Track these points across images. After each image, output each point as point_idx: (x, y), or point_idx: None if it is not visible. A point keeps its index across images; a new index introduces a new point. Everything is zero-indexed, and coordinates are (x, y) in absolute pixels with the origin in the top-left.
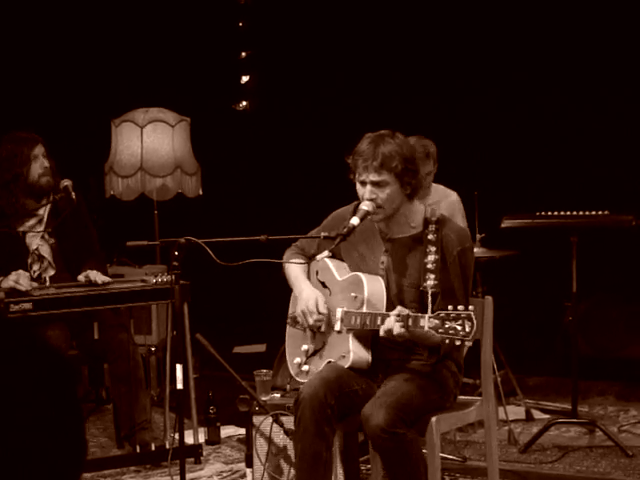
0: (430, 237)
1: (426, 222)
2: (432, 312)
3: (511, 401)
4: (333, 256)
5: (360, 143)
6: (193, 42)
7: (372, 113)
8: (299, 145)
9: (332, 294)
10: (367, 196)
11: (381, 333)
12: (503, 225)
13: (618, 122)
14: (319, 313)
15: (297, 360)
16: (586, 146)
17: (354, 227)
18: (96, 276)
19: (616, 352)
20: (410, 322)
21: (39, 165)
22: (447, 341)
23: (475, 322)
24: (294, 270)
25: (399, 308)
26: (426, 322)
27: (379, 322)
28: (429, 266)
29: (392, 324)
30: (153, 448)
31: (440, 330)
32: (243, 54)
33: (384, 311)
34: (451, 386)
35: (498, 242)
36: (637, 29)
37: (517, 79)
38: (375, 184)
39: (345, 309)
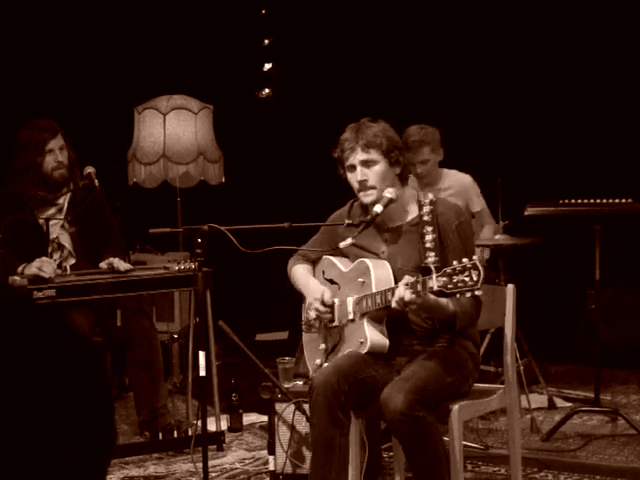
0: (425, 218)
1: (420, 205)
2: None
3: (533, 389)
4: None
5: (343, 133)
6: (216, 29)
7: (394, 100)
8: (322, 132)
9: (341, 288)
10: (358, 178)
11: (393, 304)
12: (526, 213)
13: None
14: (325, 305)
15: (317, 361)
16: (610, 134)
17: (377, 214)
18: (119, 263)
19: (639, 340)
20: (419, 286)
21: (53, 158)
22: (458, 296)
23: (481, 269)
24: (300, 273)
25: (406, 277)
26: (434, 282)
27: (390, 297)
28: (428, 245)
29: (402, 292)
30: (175, 433)
31: (449, 286)
32: (266, 41)
33: None
34: (470, 368)
35: (521, 230)
36: None
37: (541, 66)
38: (364, 163)
39: (355, 297)
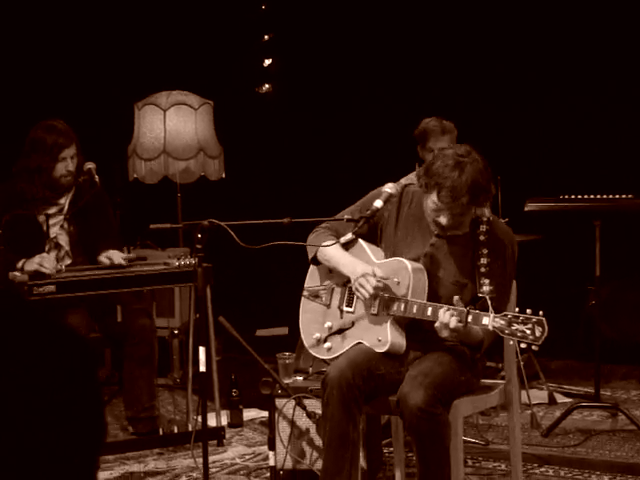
0: (482, 238)
1: (476, 221)
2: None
3: (534, 385)
4: (367, 239)
5: (439, 165)
6: (216, 25)
7: (395, 96)
8: (322, 128)
9: None
10: (445, 222)
11: (436, 324)
12: (527, 209)
13: None
14: (378, 283)
15: (317, 335)
16: (610, 130)
17: (377, 209)
18: (118, 257)
19: (639, 336)
20: (470, 318)
21: (64, 166)
22: (511, 342)
23: (547, 328)
24: (334, 249)
25: (456, 298)
26: (490, 321)
27: (429, 313)
28: (482, 270)
29: (448, 318)
30: (161, 431)
31: (506, 331)
32: (266, 37)
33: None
34: (479, 368)
35: (522, 226)
36: None
37: (540, 63)
38: (456, 214)
39: (387, 295)
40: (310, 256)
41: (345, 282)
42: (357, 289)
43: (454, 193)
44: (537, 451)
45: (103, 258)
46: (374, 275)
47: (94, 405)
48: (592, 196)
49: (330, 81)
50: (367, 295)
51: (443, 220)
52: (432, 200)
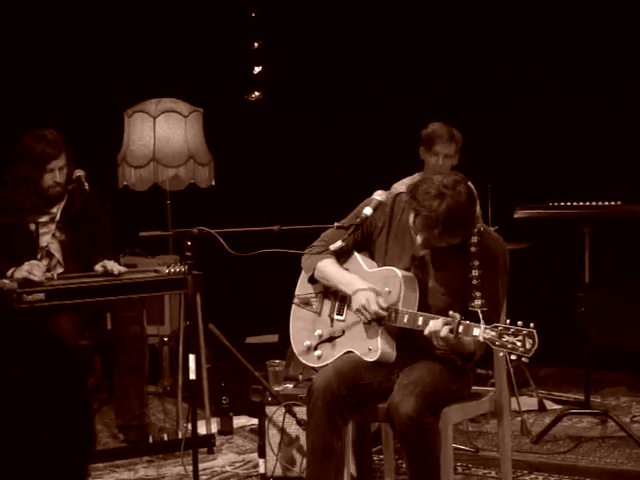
0: (473, 250)
1: None
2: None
3: (524, 392)
4: (360, 249)
5: (423, 190)
6: (205, 32)
7: (386, 103)
8: (312, 135)
9: None
10: (419, 242)
11: (426, 332)
12: (516, 216)
13: (631, 113)
14: (381, 309)
15: (307, 343)
16: (599, 137)
17: (367, 217)
18: (113, 266)
19: (629, 343)
20: (461, 329)
21: (51, 177)
22: (501, 354)
23: (537, 340)
24: (331, 267)
25: (450, 313)
26: (481, 332)
27: (420, 323)
28: (474, 282)
29: (439, 326)
30: (151, 439)
31: (497, 343)
32: (255, 44)
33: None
34: (470, 376)
35: (511, 233)
36: None
37: (529, 70)
38: (430, 238)
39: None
40: (307, 275)
41: (335, 290)
42: (360, 310)
43: (427, 222)
44: (527, 458)
45: (98, 267)
46: (376, 301)
47: (82, 413)
48: (581, 203)
49: (320, 88)
50: (370, 318)
51: (418, 239)
52: (411, 219)
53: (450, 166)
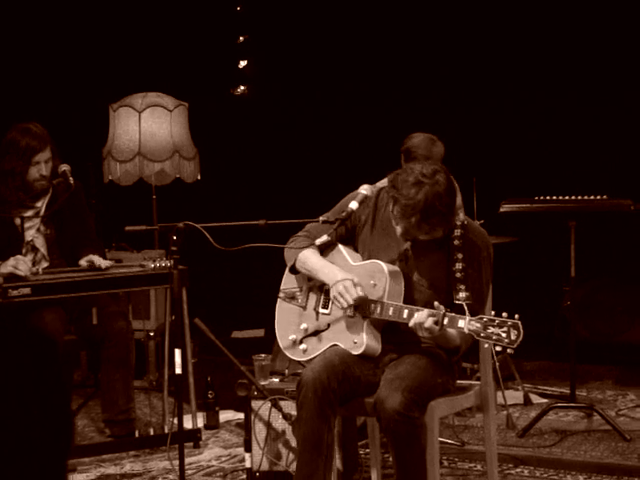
0: (456, 243)
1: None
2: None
3: (509, 385)
4: (345, 243)
5: (401, 179)
6: (191, 27)
7: (371, 98)
8: (297, 129)
9: None
10: (399, 232)
11: (410, 324)
12: (501, 210)
13: (617, 107)
14: (359, 296)
15: (292, 337)
16: (584, 131)
17: (353, 211)
18: (99, 260)
19: (614, 336)
20: (446, 321)
21: (37, 170)
22: (486, 346)
23: (522, 331)
24: (312, 257)
25: (436, 304)
26: (466, 324)
27: (405, 315)
28: (458, 275)
29: (424, 318)
30: (137, 433)
31: (482, 334)
32: (241, 38)
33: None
34: (455, 369)
35: (497, 227)
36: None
37: (515, 65)
38: (409, 228)
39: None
40: (289, 265)
41: (321, 284)
42: (336, 297)
43: (405, 210)
44: (513, 452)
45: (83, 262)
46: (355, 285)
47: (62, 407)
48: (567, 197)
49: (306, 82)
50: (346, 305)
51: (398, 229)
52: (390, 207)
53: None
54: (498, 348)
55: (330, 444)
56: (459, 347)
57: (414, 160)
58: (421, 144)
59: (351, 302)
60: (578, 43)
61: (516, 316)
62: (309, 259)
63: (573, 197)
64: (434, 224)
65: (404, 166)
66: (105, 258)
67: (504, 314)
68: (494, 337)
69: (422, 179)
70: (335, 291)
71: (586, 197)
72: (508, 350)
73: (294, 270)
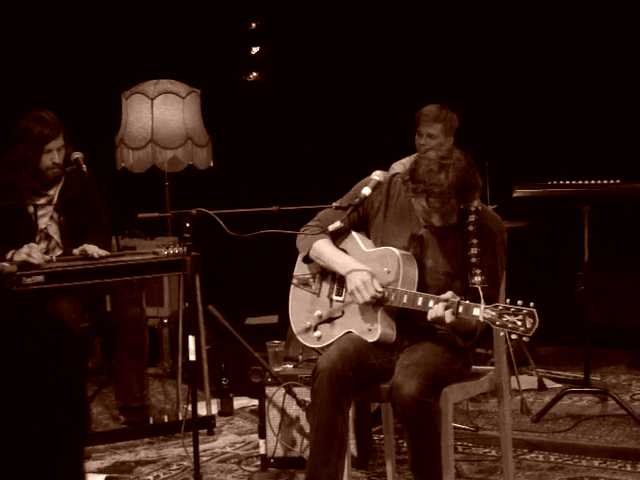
0: (471, 228)
1: (464, 211)
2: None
3: (523, 370)
4: (358, 229)
5: (424, 170)
6: (203, 13)
7: (385, 82)
8: (310, 115)
9: None
10: (437, 224)
11: (429, 318)
12: (515, 194)
13: (631, 91)
14: (377, 292)
15: (307, 323)
16: (598, 115)
17: (365, 197)
18: (93, 250)
19: (628, 321)
20: (461, 309)
21: (49, 158)
22: (502, 334)
23: (537, 319)
24: (326, 247)
25: (450, 293)
26: (481, 312)
27: (419, 303)
28: (473, 260)
29: (441, 312)
30: (151, 420)
31: (497, 322)
32: (253, 25)
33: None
34: (470, 355)
35: (510, 212)
36: None
37: (528, 49)
38: (447, 214)
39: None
40: (302, 255)
41: (333, 271)
42: (354, 292)
43: (442, 197)
44: (527, 437)
45: (76, 251)
46: (372, 283)
47: (78, 394)
48: (580, 182)
49: (318, 68)
50: (362, 301)
51: (435, 222)
52: (421, 204)
53: (437, 145)
54: (513, 336)
55: (344, 433)
56: (475, 329)
57: (422, 122)
58: (432, 109)
59: (368, 299)
60: (591, 27)
61: (531, 304)
62: (322, 249)
63: (587, 182)
64: (470, 198)
65: (418, 140)
66: (110, 244)
67: (519, 302)
68: (509, 325)
69: (444, 162)
70: (353, 285)
71: (600, 182)
72: (524, 338)
73: (307, 259)
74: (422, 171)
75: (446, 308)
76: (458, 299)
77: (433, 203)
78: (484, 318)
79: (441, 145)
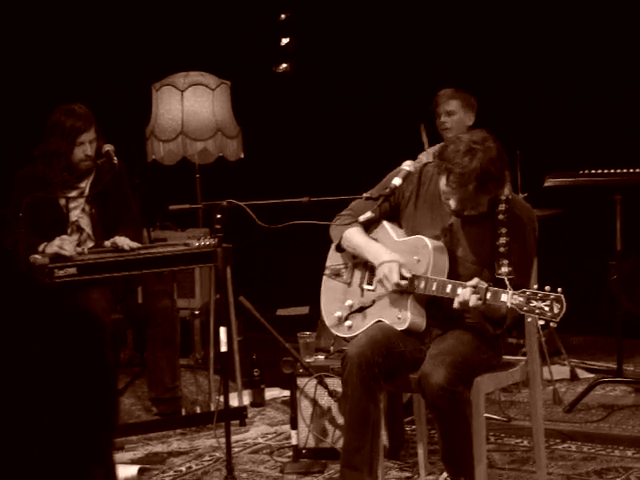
0: (500, 217)
1: (495, 200)
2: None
3: (555, 360)
4: (389, 219)
5: (452, 149)
6: (232, 5)
7: (416, 73)
8: (340, 106)
9: None
10: (453, 206)
11: (455, 304)
12: (546, 184)
13: None
14: (404, 279)
15: (338, 313)
16: (630, 103)
17: (396, 187)
18: (124, 242)
19: None
20: (489, 295)
21: (82, 151)
22: (529, 319)
23: (565, 305)
24: (358, 235)
25: (476, 280)
26: (509, 298)
27: (448, 290)
28: (501, 250)
29: (468, 296)
30: (184, 411)
31: (525, 308)
32: (283, 16)
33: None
34: (500, 345)
35: (541, 201)
36: None
37: (559, 36)
38: (464, 199)
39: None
40: (335, 243)
41: (366, 261)
42: (381, 280)
43: (461, 179)
44: (559, 427)
45: (108, 243)
46: (398, 271)
47: (106, 385)
48: (612, 170)
49: (348, 59)
50: (385, 291)
51: (452, 204)
52: (442, 183)
53: (458, 121)
54: (541, 322)
55: (377, 419)
56: (505, 317)
57: (439, 103)
58: (446, 89)
59: (392, 287)
60: (627, 15)
61: (559, 289)
62: (354, 237)
63: (618, 170)
64: (490, 190)
65: (438, 122)
66: (141, 236)
67: (547, 287)
68: (537, 311)
69: (474, 146)
70: (380, 273)
71: (632, 170)
72: (551, 324)
73: (340, 248)
74: (450, 149)
75: (473, 293)
76: (486, 285)
77: (452, 183)
78: (511, 304)
79: (461, 120)
